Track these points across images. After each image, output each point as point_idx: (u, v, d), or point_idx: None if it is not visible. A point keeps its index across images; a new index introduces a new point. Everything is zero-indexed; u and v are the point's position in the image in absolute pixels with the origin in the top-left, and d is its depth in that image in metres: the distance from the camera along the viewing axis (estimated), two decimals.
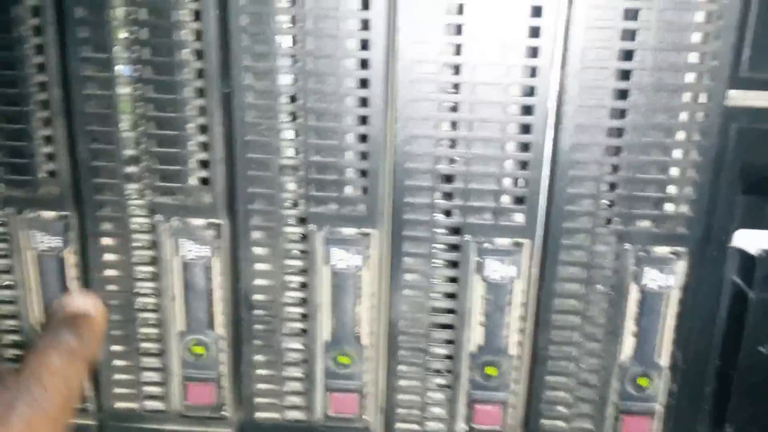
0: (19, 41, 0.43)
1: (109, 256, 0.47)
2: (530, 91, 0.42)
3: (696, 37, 0.40)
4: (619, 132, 0.42)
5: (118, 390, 0.49)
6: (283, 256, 0.46)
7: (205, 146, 0.45)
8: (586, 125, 0.42)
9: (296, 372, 0.48)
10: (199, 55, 0.43)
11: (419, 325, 0.46)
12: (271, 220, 0.45)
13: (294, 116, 0.44)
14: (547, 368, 0.46)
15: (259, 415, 0.49)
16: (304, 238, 0.46)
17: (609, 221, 0.43)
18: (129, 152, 0.45)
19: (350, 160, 0.44)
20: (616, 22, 0.40)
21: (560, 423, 0.47)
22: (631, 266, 0.44)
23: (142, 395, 0.49)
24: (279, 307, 0.47)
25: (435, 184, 0.44)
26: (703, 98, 0.41)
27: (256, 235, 0.46)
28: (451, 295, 0.46)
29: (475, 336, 0.46)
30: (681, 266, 0.43)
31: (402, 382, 0.48)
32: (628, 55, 0.41)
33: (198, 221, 0.46)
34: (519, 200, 0.44)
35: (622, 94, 0.41)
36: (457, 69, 0.42)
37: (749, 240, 0.44)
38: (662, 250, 0.43)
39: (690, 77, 0.41)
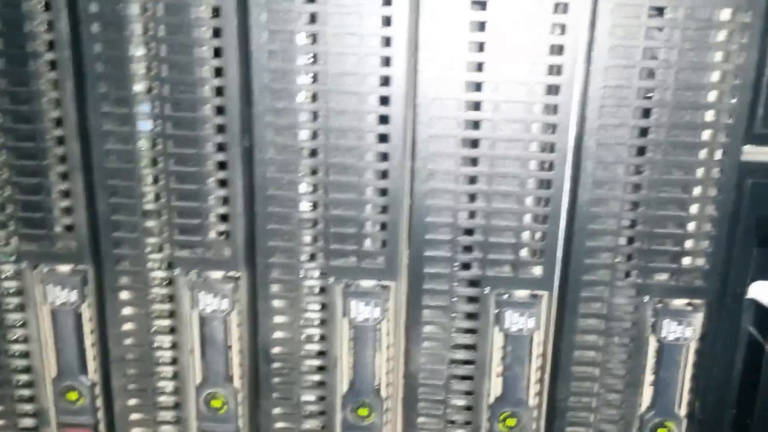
0: (37, 95, 0.43)
1: (126, 310, 0.47)
2: (550, 147, 0.42)
3: (712, 96, 0.41)
4: (636, 187, 0.42)
5: None
6: (301, 308, 0.46)
7: (225, 200, 0.45)
8: (604, 180, 0.42)
9: (315, 424, 0.47)
10: (220, 111, 0.43)
11: (438, 377, 0.46)
12: (290, 273, 0.45)
13: (314, 171, 0.44)
14: (566, 419, 0.46)
15: None
16: (323, 290, 0.45)
17: (627, 274, 0.44)
18: (149, 206, 0.45)
19: (369, 214, 0.44)
20: (633, 81, 0.41)
21: None
22: (649, 318, 0.44)
23: None
24: (297, 360, 0.47)
25: (454, 237, 0.44)
26: (718, 154, 0.41)
27: (275, 288, 0.46)
28: (469, 347, 0.46)
29: (494, 387, 0.46)
30: (698, 318, 0.43)
31: None
32: (645, 113, 0.41)
33: (217, 274, 0.46)
34: (537, 253, 0.44)
35: (640, 151, 0.42)
36: (476, 124, 0.42)
37: (764, 291, 0.44)
38: (680, 303, 0.44)
39: (706, 134, 0.41)
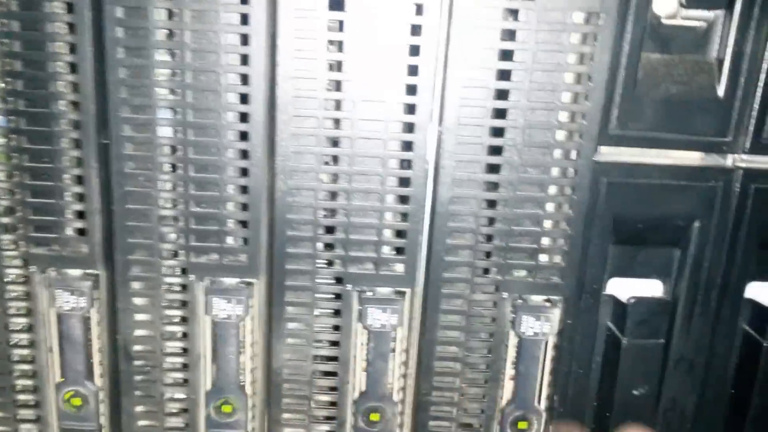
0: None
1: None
2: (409, 146, 0.41)
3: (566, 97, 0.41)
4: (494, 186, 0.42)
5: None
6: (163, 306, 0.45)
7: (81, 197, 0.43)
8: (463, 179, 0.42)
9: (178, 422, 0.46)
10: (76, 106, 0.41)
11: (303, 373, 0.46)
12: (150, 270, 0.44)
13: (174, 167, 0.42)
14: (430, 414, 0.46)
15: None
16: (185, 288, 0.44)
17: (486, 271, 0.44)
18: (3, 203, 0.43)
19: (231, 211, 0.43)
20: (489, 82, 0.40)
21: None
22: (508, 314, 0.44)
23: None
24: (159, 358, 0.45)
25: (316, 234, 0.43)
26: (573, 155, 0.41)
27: (135, 285, 0.44)
28: (334, 343, 0.45)
29: (358, 383, 0.46)
30: (556, 314, 0.44)
31: (287, 430, 0.47)
32: (502, 113, 0.41)
33: (75, 272, 0.44)
34: (400, 250, 0.44)
35: (497, 150, 0.41)
36: (337, 123, 0.41)
37: (621, 288, 0.45)
38: (538, 299, 0.44)
39: (561, 135, 0.41)
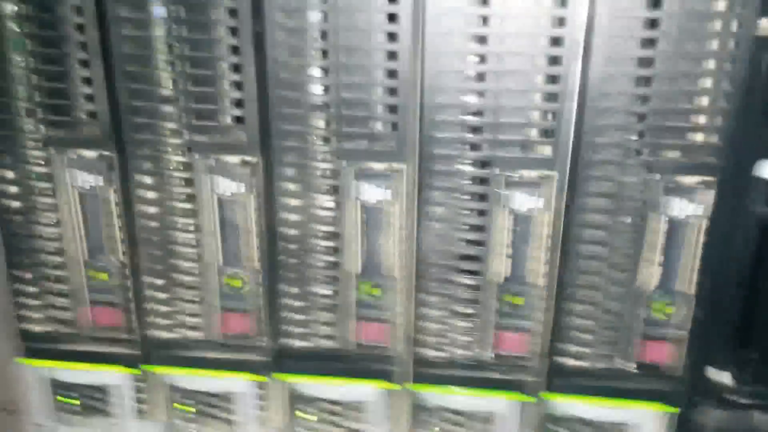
0: None
1: (148, 194, 0.47)
2: (560, 22, 0.40)
3: None
4: (648, 62, 0.40)
5: (160, 320, 0.50)
6: (314, 191, 0.46)
7: (238, 85, 0.44)
8: (615, 56, 0.41)
9: (328, 302, 0.48)
10: None
11: (447, 257, 0.46)
12: (303, 156, 0.45)
13: (324, 53, 0.43)
14: (572, 297, 0.46)
15: (294, 343, 0.49)
16: (335, 173, 0.45)
17: (637, 152, 0.42)
18: (166, 92, 0.45)
19: (379, 97, 0.43)
20: None
21: (584, 349, 0.47)
22: (658, 196, 0.43)
23: (183, 325, 0.50)
24: (311, 241, 0.47)
25: (463, 118, 0.43)
26: (734, 26, 0.39)
27: (288, 171, 0.46)
28: (478, 228, 0.45)
29: (501, 267, 0.46)
30: (708, 196, 0.42)
31: (430, 312, 0.48)
32: None
33: (233, 159, 0.46)
34: (547, 133, 0.43)
35: (653, 23, 0.40)
36: (485, 1, 0.41)
37: None
38: (689, 180, 0.42)
39: (721, 4, 0.39)
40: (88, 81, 0.46)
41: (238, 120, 0.45)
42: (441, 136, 0.44)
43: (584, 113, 0.42)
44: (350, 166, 0.45)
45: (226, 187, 0.46)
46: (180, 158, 0.47)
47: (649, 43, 0.40)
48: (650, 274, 0.45)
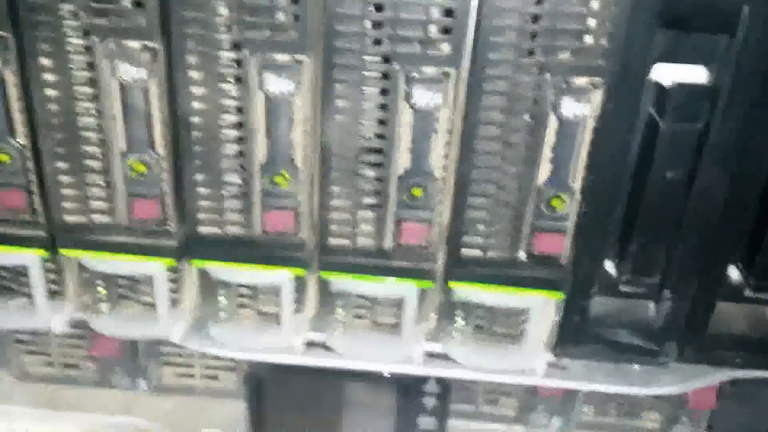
0: None
1: (47, 77, 0.54)
2: None
3: None
4: None
5: (67, 204, 0.58)
6: (218, 80, 0.53)
7: None
8: None
9: (235, 190, 0.56)
10: None
11: (350, 149, 0.54)
12: (205, 44, 0.52)
13: None
14: (469, 190, 0.55)
15: (202, 229, 0.58)
16: (239, 63, 0.52)
17: (531, 52, 0.50)
18: None
19: None
20: None
21: (480, 239, 0.56)
22: (550, 96, 0.51)
23: (90, 209, 0.58)
24: (216, 130, 0.54)
25: (365, 12, 0.50)
26: None
27: (191, 59, 0.52)
28: (381, 121, 0.53)
29: (403, 160, 0.54)
30: (597, 96, 0.50)
31: (335, 202, 0.56)
32: None
33: (133, 44, 0.52)
34: (447, 31, 0.50)
35: None
36: None
37: (666, 74, 0.51)
38: (580, 81, 0.50)
39: None
40: None
41: (138, 4, 0.51)
42: (343, 29, 0.50)
43: (482, 12, 0.49)
44: (253, 56, 0.52)
45: (127, 72, 0.53)
46: (80, 41, 0.53)
47: None
48: (542, 170, 0.53)
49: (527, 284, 0.58)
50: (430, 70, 0.51)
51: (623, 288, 0.57)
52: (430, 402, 0.64)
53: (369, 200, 0.56)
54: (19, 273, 0.62)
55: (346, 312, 0.61)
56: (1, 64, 0.53)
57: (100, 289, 0.61)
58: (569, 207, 0.54)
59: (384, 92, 0.52)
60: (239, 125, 0.54)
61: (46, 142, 0.56)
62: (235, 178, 0.56)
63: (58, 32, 0.52)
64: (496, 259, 0.57)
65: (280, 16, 0.50)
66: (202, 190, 0.56)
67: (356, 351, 0.61)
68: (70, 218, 0.58)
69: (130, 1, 0.51)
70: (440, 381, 0.63)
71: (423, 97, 0.51)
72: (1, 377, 0.70)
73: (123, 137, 0.55)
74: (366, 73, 0.52)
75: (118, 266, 0.60)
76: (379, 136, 0.54)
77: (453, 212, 0.56)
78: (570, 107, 0.51)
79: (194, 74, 0.53)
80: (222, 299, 0.61)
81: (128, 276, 0.61)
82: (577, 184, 0.54)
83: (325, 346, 0.61)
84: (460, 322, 0.61)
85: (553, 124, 0.52)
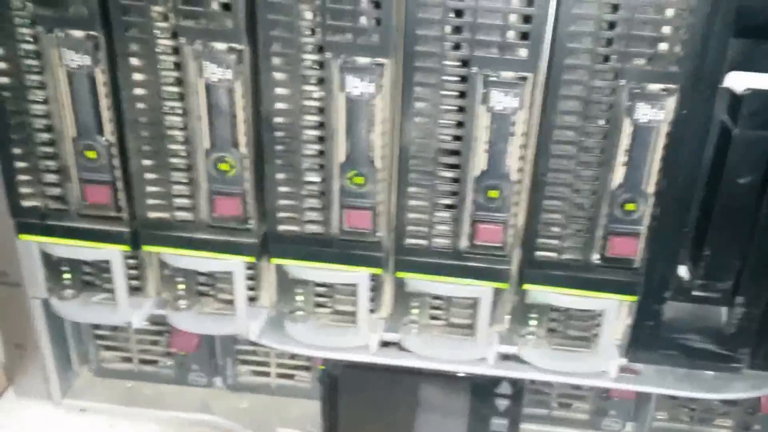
0: None
1: (137, 76, 0.64)
2: None
3: None
4: None
5: (150, 201, 0.68)
6: (301, 82, 0.63)
7: None
8: None
9: (315, 189, 0.66)
10: None
11: (428, 151, 0.64)
12: (289, 47, 0.62)
13: None
14: (544, 193, 0.64)
15: (281, 227, 0.68)
16: (322, 65, 0.62)
17: (607, 58, 0.59)
18: None
19: None
20: None
21: (554, 241, 0.65)
22: (625, 101, 0.59)
23: (173, 206, 0.68)
24: (298, 130, 0.64)
25: (445, 17, 0.59)
26: None
27: (275, 61, 0.62)
28: (458, 124, 0.63)
29: (479, 162, 0.63)
30: (671, 102, 0.59)
31: (412, 202, 0.66)
32: None
33: (220, 45, 0.62)
34: (525, 36, 0.59)
35: None
36: None
37: (739, 81, 0.59)
38: (654, 87, 0.59)
39: None
40: None
41: (226, 7, 0.61)
42: (424, 34, 0.60)
43: (559, 18, 0.58)
44: (336, 58, 0.62)
45: (214, 72, 0.63)
46: (168, 42, 0.63)
47: None
48: (616, 174, 0.62)
49: (601, 287, 0.66)
50: (507, 74, 0.60)
51: (696, 293, 0.65)
52: (503, 404, 0.73)
53: (445, 201, 0.65)
54: (102, 268, 0.72)
55: (421, 312, 0.70)
56: (92, 63, 0.64)
57: (180, 285, 0.72)
58: (643, 211, 0.63)
59: (462, 95, 0.61)
60: (320, 125, 0.64)
61: (133, 140, 0.66)
62: (314, 178, 0.65)
63: (148, 33, 0.62)
64: (570, 262, 0.66)
65: (363, 21, 0.60)
66: (282, 188, 0.66)
67: (430, 351, 0.70)
68: (153, 214, 0.68)
69: (218, 4, 0.61)
70: (513, 383, 0.72)
71: (500, 100, 0.60)
72: (80, 373, 0.81)
73: (207, 136, 0.65)
74: (445, 77, 0.61)
75: (199, 263, 0.70)
76: (457, 138, 0.63)
77: (528, 214, 0.65)
78: (644, 113, 0.59)
79: (278, 75, 0.62)
80: (299, 297, 0.71)
81: (208, 273, 0.71)
82: (650, 189, 0.62)
83: (399, 346, 0.71)
84: (533, 323, 0.69)
85: (627, 129, 0.60)
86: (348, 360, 0.71)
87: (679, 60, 0.57)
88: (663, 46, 0.57)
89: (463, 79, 0.60)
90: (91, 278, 0.73)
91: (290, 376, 0.82)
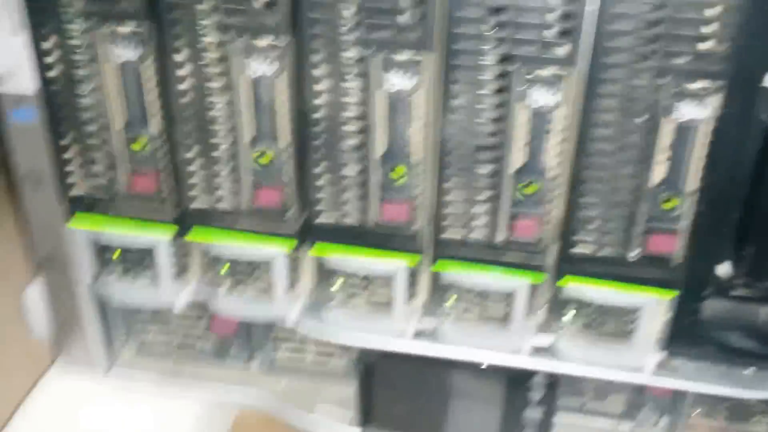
0: None
1: (182, 70, 0.65)
2: None
3: None
4: None
5: (194, 191, 0.70)
6: (341, 77, 0.63)
7: None
8: None
9: (353, 181, 0.67)
10: None
11: (466, 147, 0.64)
12: (330, 43, 0.62)
13: None
14: (583, 189, 0.64)
15: (321, 217, 0.69)
16: (362, 61, 0.62)
17: (648, 57, 0.58)
18: None
19: None
20: None
21: (592, 237, 0.65)
22: (665, 100, 0.59)
23: (216, 196, 0.70)
24: (338, 124, 0.65)
25: (485, 15, 0.59)
26: None
27: (316, 57, 0.63)
28: (496, 120, 0.63)
29: (517, 157, 0.63)
30: (713, 101, 0.58)
31: (449, 196, 0.66)
32: None
33: (263, 41, 0.63)
34: (566, 34, 0.59)
35: None
36: None
37: None
38: (696, 86, 0.58)
39: None
40: None
41: (269, 5, 0.62)
42: (464, 31, 0.60)
43: (600, 17, 0.58)
44: (377, 54, 0.62)
45: (257, 68, 0.64)
46: (213, 38, 0.64)
47: None
48: (656, 171, 0.62)
49: (639, 282, 0.66)
50: (547, 72, 0.60)
51: (736, 291, 0.65)
52: (537, 395, 0.73)
53: (483, 195, 0.65)
54: (146, 254, 0.74)
55: (457, 303, 0.71)
56: (139, 58, 0.65)
57: (220, 271, 0.73)
58: (683, 208, 0.62)
59: (500, 91, 0.61)
60: (360, 119, 0.64)
61: (178, 132, 0.67)
62: (353, 170, 0.66)
63: (193, 29, 0.63)
64: (607, 257, 0.66)
65: (405, 17, 0.60)
66: (322, 180, 0.67)
67: (465, 341, 0.71)
68: (196, 204, 0.70)
69: (262, 1, 0.62)
70: (548, 375, 0.72)
71: (539, 97, 0.60)
72: (123, 351, 0.83)
73: (250, 129, 0.66)
74: (484, 73, 0.61)
75: (240, 250, 0.71)
76: (495, 134, 0.63)
77: (566, 209, 0.65)
78: (685, 111, 0.59)
79: (319, 71, 0.63)
80: (336, 286, 0.72)
81: (248, 260, 0.72)
82: (691, 186, 0.62)
83: (434, 336, 0.72)
84: (569, 317, 0.70)
85: (668, 126, 0.60)
86: (383, 349, 0.71)
87: (720, 59, 0.56)
88: (705, 45, 0.57)
89: (502, 75, 0.60)
90: (135, 263, 0.75)
91: (328, 356, 0.84)
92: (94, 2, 0.63)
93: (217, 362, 0.85)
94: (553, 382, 0.73)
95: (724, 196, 0.62)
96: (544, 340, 0.71)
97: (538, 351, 0.71)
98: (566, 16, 0.58)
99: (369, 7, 0.60)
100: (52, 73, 0.67)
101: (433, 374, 0.75)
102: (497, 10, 0.59)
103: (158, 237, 0.72)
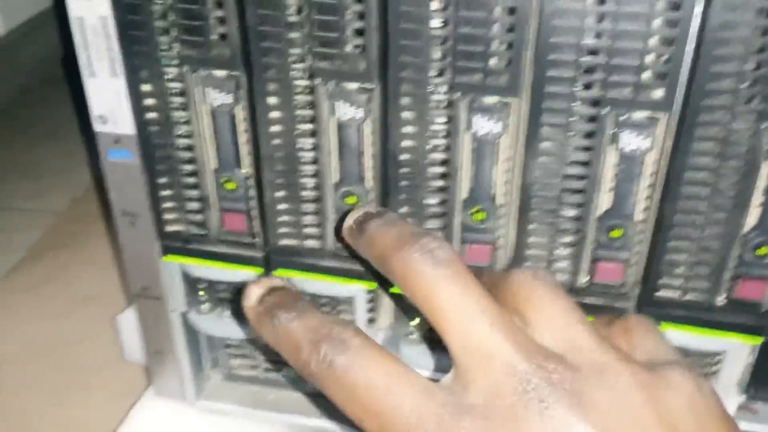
0: None
1: (274, 114, 0.54)
2: None
3: None
4: None
5: (282, 230, 0.58)
6: (428, 120, 0.51)
7: (361, 15, 0.49)
8: (736, 3, 0.43)
9: (437, 224, 0.54)
10: None
11: (551, 189, 0.51)
12: (418, 87, 0.50)
13: None
14: (671, 234, 0.50)
15: None
16: (449, 105, 0.50)
17: (749, 100, 0.45)
18: (293, 18, 0.50)
19: (497, 32, 0.47)
20: None
21: (678, 282, 0.52)
22: (765, 144, 0.46)
23: (303, 235, 0.58)
24: (423, 166, 0.53)
25: (578, 57, 0.46)
26: None
27: (404, 100, 0.51)
28: (584, 163, 0.50)
29: (603, 201, 0.50)
30: None
31: (531, 239, 0.53)
32: None
33: (352, 85, 0.51)
34: (660, 76, 0.46)
35: None
36: None
37: None
38: None
39: None
40: (219, 4, 0.51)
41: (359, 49, 0.50)
42: (554, 75, 0.47)
43: (700, 58, 0.45)
44: (464, 98, 0.50)
45: (345, 111, 0.52)
46: (303, 82, 0.53)
47: None
48: (750, 217, 0.48)
49: (725, 328, 0.53)
50: (639, 115, 0.47)
51: None
52: None
53: (566, 239, 0.53)
54: (235, 287, 0.63)
55: None
56: (233, 102, 0.54)
57: None
58: None
59: (590, 135, 0.49)
60: (445, 162, 0.52)
61: (268, 173, 0.56)
62: (436, 212, 0.54)
63: (285, 74, 0.52)
64: (692, 302, 0.52)
65: (494, 61, 0.48)
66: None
67: None
68: (284, 242, 0.58)
69: (352, 46, 0.50)
70: None
71: (631, 141, 0.48)
72: (212, 377, 0.72)
73: (337, 171, 0.54)
74: (574, 116, 0.48)
75: (324, 287, 0.59)
76: (582, 177, 0.50)
77: (651, 253, 0.52)
78: None
79: (406, 114, 0.51)
80: (414, 321, 0.60)
81: (331, 296, 0.60)
82: None
83: None
84: None
85: (765, 170, 0.46)
86: None
87: None
88: None
89: (592, 118, 0.47)
90: (225, 295, 0.63)
91: None
92: (190, 48, 0.52)
93: (300, 389, 0.73)
94: None
95: None
96: None
97: None
98: (664, 58, 0.45)
99: (459, 51, 0.47)
100: (149, 115, 0.55)
101: None
102: (591, 52, 0.46)
103: (247, 272, 0.60)
